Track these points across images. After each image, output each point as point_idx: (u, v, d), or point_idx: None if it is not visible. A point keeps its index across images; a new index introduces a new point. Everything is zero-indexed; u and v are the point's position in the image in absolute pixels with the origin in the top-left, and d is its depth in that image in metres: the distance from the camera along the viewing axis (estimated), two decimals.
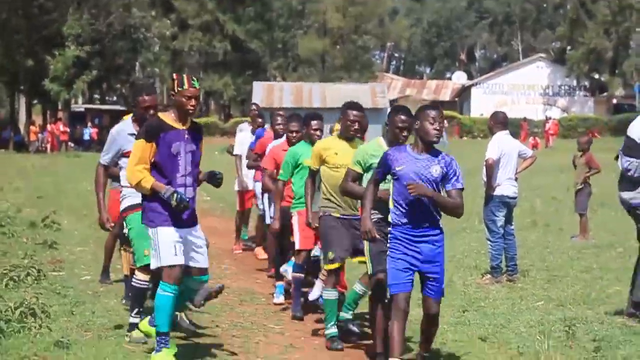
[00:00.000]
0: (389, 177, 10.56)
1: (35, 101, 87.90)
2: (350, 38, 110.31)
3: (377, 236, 10.19)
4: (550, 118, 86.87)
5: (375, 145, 11.06)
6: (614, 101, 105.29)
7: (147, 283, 11.28)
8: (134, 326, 11.33)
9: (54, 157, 64.16)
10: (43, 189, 36.18)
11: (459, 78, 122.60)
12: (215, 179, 10.49)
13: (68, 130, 76.77)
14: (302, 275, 14.10)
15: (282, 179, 14.02)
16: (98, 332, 12.80)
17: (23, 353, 11.03)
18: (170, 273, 9.81)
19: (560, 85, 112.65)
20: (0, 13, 75.55)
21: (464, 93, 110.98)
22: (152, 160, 10.09)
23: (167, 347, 9.95)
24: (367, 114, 15.11)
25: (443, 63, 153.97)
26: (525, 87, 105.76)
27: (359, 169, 11.00)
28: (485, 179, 16.84)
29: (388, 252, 10.09)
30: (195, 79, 10.31)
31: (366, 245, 10.93)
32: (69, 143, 75.36)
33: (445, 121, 29.06)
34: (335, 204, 12.33)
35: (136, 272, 11.40)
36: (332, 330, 12.14)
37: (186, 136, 10.18)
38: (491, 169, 16.72)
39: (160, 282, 10.06)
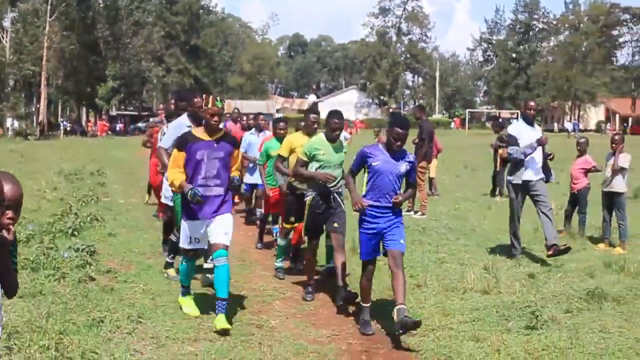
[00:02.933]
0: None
1: (90, 110, 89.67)
2: (255, 77, 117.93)
3: (365, 206, 7.76)
4: (357, 119, 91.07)
5: (318, 140, 9.12)
6: (390, 110, 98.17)
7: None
8: (168, 265, 9.86)
9: (101, 139, 63.91)
10: (95, 155, 36.26)
11: (312, 97, 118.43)
12: (231, 184, 8.00)
13: (108, 125, 77.86)
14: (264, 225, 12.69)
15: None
16: (132, 228, 13.52)
17: (91, 238, 10.93)
18: (185, 252, 8.12)
19: (363, 102, 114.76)
20: (72, 62, 76.53)
21: (315, 105, 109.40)
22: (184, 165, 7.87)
23: (189, 294, 8.27)
24: (265, 117, 15.08)
25: (303, 89, 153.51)
26: (346, 103, 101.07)
27: (306, 158, 9.05)
28: None
29: (360, 226, 7.87)
30: (219, 99, 8.07)
31: (306, 213, 9.06)
32: (108, 132, 75.08)
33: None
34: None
35: (175, 230, 9.58)
36: (280, 264, 10.37)
37: (214, 145, 7.86)
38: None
39: (182, 256, 8.35)
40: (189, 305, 8.24)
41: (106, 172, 24.99)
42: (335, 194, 9.18)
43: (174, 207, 9.70)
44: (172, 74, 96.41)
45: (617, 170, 12.52)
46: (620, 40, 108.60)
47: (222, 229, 7.93)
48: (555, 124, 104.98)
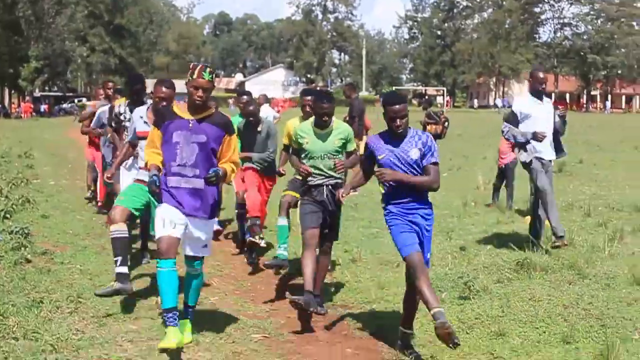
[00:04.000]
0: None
1: (13, 92, 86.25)
2: (181, 56, 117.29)
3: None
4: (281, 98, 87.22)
5: (307, 126, 7.90)
6: (318, 87, 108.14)
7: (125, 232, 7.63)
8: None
9: (25, 121, 63.48)
10: (22, 137, 35.12)
11: (239, 76, 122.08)
12: (206, 179, 6.35)
13: (32, 106, 77.37)
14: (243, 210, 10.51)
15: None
16: (65, 210, 13.36)
17: (24, 220, 10.58)
18: (159, 246, 6.26)
19: (290, 80, 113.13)
20: None
21: (242, 84, 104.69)
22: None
23: (175, 325, 6.12)
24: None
25: (229, 68, 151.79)
26: (273, 81, 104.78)
27: (295, 145, 7.97)
28: None
29: (389, 225, 6.56)
30: (207, 71, 6.40)
31: (299, 206, 7.97)
32: (33, 113, 74.60)
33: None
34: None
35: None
36: (283, 252, 8.77)
37: (193, 126, 6.34)
38: None
39: (157, 261, 6.27)
40: (175, 337, 6.09)
41: (34, 154, 24.61)
42: (331, 188, 7.75)
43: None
44: (96, 53, 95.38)
45: None
46: (542, 17, 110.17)
47: (197, 239, 6.55)
48: (475, 100, 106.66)
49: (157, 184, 6.27)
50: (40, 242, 10.28)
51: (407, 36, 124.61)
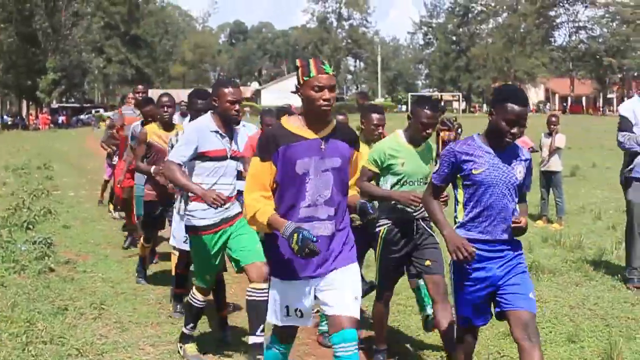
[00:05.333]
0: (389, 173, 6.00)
1: (31, 103, 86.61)
2: (196, 66, 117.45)
3: (473, 251, 4.67)
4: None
5: (395, 143, 6.03)
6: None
7: (203, 303, 6.40)
8: (186, 338, 6.51)
9: (43, 132, 63.10)
10: (40, 149, 35.24)
11: (254, 85, 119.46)
12: (365, 216, 5.00)
13: (50, 118, 77.43)
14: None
15: None
16: (85, 220, 13.52)
17: (47, 230, 10.99)
18: (278, 332, 4.82)
19: None
20: (11, 55, 75.87)
21: (257, 92, 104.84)
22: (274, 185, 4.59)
23: None
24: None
25: (245, 76, 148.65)
26: (289, 89, 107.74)
27: (376, 169, 6.03)
28: None
29: (455, 281, 4.95)
30: (324, 62, 4.55)
31: (377, 256, 6.10)
32: (51, 125, 74.82)
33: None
34: None
35: (194, 290, 6.42)
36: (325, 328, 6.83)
37: (322, 148, 4.50)
38: None
39: (271, 336, 4.91)
40: None
41: (53, 166, 24.83)
42: (421, 220, 6.10)
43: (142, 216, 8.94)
44: (113, 64, 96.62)
45: (554, 151, 13.04)
46: (558, 21, 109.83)
47: (348, 290, 4.58)
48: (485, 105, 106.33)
49: (314, 238, 4.28)
50: (63, 251, 10.61)
51: (422, 42, 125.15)
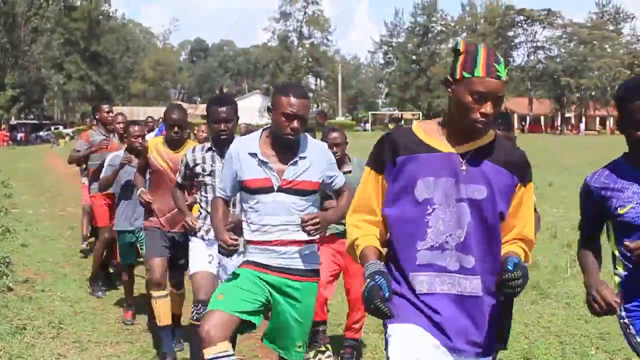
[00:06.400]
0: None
1: None
2: (157, 83, 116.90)
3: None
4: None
5: None
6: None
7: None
8: None
9: (1, 149, 61.30)
10: None
11: None
12: (508, 286, 2.91)
13: (8, 134, 75.54)
14: None
15: None
16: (44, 238, 13.36)
17: (5, 249, 10.58)
18: None
19: (267, 106, 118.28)
20: None
21: None
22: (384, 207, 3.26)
23: None
24: None
25: (206, 94, 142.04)
26: (250, 107, 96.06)
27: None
28: None
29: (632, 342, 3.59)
30: (500, 59, 3.05)
31: None
32: (9, 142, 73.14)
33: None
34: None
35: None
36: None
37: (461, 168, 3.09)
38: None
39: None
40: None
41: (11, 184, 24.33)
42: None
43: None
44: (72, 81, 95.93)
45: None
46: (516, 41, 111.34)
47: None
48: None
49: (387, 294, 2.97)
50: (21, 270, 10.52)
51: (382, 61, 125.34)
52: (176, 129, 6.60)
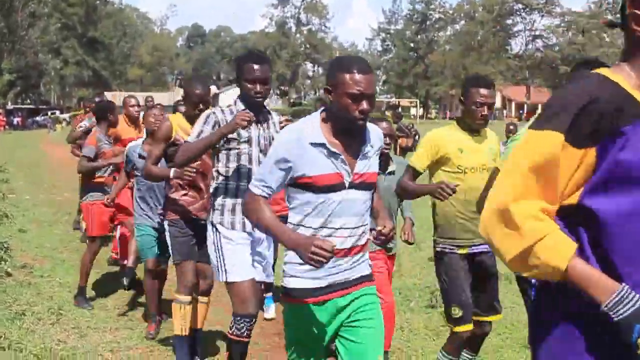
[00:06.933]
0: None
1: None
2: (154, 68, 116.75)
3: None
4: None
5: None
6: (291, 100, 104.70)
7: None
8: None
9: None
10: None
11: (213, 88, 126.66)
12: None
13: (5, 119, 73.99)
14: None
15: None
16: (41, 224, 13.43)
17: (2, 234, 10.80)
18: None
19: None
20: None
21: (216, 96, 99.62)
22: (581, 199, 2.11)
23: None
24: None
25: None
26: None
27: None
28: None
29: None
30: None
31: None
32: (6, 127, 70.77)
33: None
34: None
35: None
36: None
37: None
38: None
39: None
40: None
41: (8, 169, 23.94)
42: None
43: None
44: (69, 66, 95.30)
45: None
46: (514, 29, 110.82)
47: None
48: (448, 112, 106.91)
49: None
50: (19, 255, 10.47)
51: (380, 48, 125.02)
52: (201, 105, 5.93)
